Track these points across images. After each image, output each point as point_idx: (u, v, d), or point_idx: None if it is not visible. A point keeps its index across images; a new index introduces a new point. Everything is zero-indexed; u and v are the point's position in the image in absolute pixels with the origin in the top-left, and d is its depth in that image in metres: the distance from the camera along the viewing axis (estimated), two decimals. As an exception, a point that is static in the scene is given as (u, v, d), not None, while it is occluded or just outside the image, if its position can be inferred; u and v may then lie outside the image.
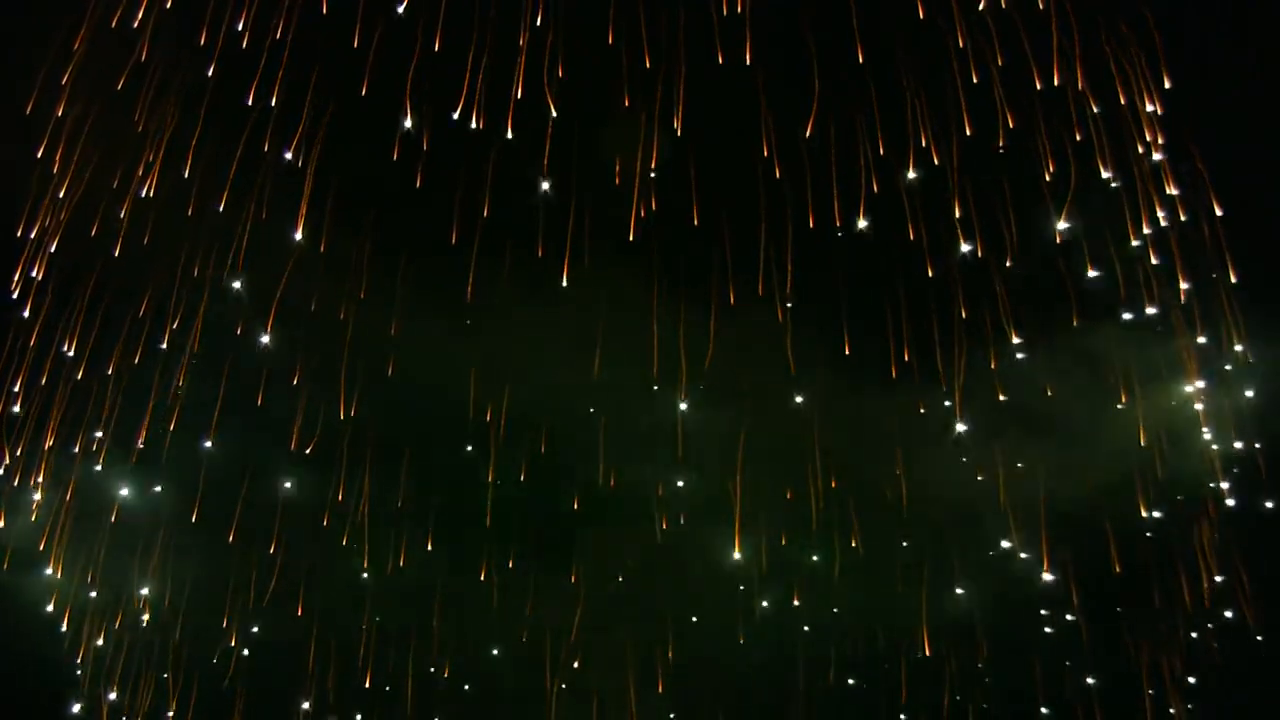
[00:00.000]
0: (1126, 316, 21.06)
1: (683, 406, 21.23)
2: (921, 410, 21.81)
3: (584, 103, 19.40)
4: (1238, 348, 21.12)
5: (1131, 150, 19.67)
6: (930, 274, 20.55)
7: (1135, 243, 20.24)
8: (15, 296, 20.84)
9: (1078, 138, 19.47)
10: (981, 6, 18.89)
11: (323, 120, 19.89)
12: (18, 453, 21.45)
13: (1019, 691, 22.63)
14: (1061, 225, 19.98)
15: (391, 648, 22.73)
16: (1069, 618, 22.24)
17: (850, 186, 19.87)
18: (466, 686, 22.98)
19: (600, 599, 22.58)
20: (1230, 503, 21.67)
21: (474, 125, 19.00)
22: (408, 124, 19.26)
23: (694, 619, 23.08)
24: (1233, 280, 20.69)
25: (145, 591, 22.22)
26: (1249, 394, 21.38)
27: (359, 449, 22.07)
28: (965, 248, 20.19)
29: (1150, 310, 20.84)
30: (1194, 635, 22.26)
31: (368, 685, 22.68)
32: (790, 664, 22.85)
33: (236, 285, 20.71)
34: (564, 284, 20.27)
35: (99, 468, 21.62)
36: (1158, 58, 19.41)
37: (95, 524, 21.79)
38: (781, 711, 23.01)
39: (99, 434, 21.43)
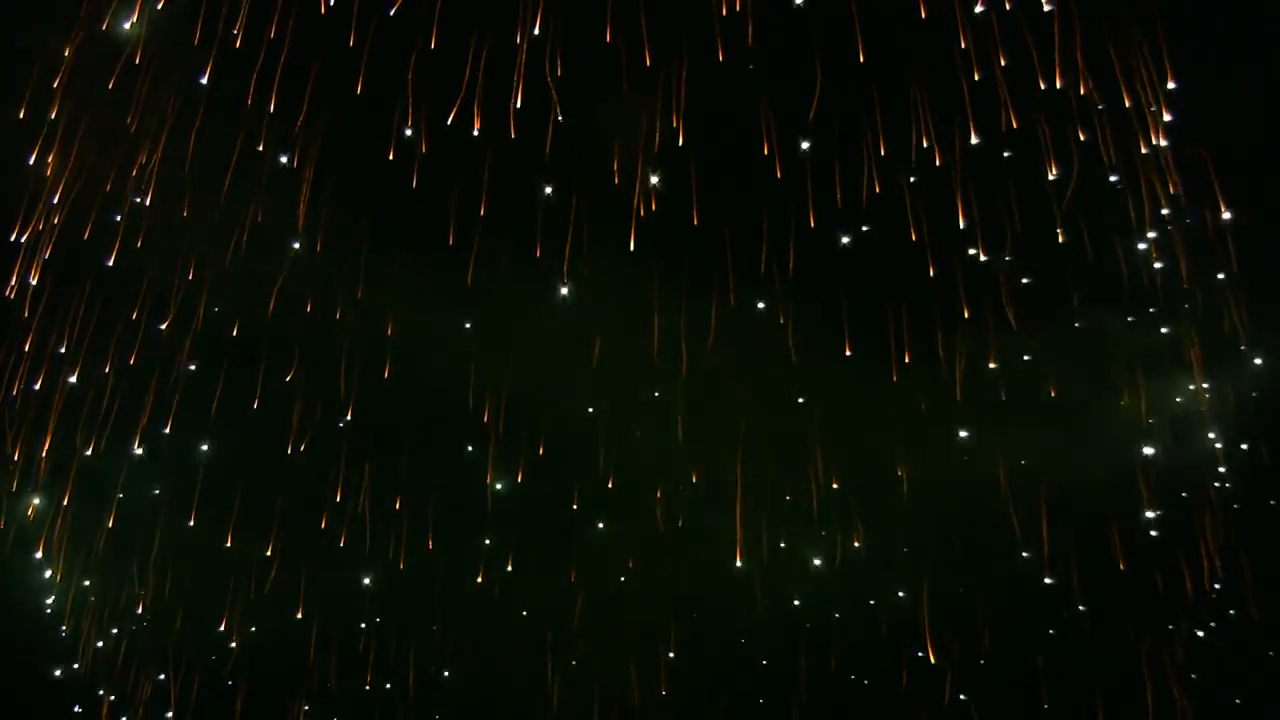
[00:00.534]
0: (1129, 316, 21.02)
1: (682, 406, 21.21)
2: (923, 408, 21.73)
3: (583, 102, 19.30)
4: (1242, 346, 21.05)
5: (1135, 149, 19.53)
6: (931, 274, 20.46)
7: (1140, 245, 20.21)
8: (12, 298, 20.78)
9: (1081, 137, 19.37)
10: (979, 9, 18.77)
11: (319, 121, 19.83)
12: (14, 456, 21.44)
13: (1021, 688, 22.62)
14: (1064, 225, 19.88)
15: (392, 648, 22.74)
16: (1073, 612, 22.20)
17: (851, 186, 19.79)
18: (466, 686, 23.00)
19: (600, 597, 22.56)
20: (1234, 500, 21.62)
21: (474, 129, 18.91)
22: (408, 132, 19.18)
23: (694, 616, 23.03)
24: (1237, 278, 20.60)
25: (144, 591, 22.22)
26: (1253, 393, 21.33)
27: (358, 449, 22.05)
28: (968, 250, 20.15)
29: (1153, 309, 20.80)
30: (1198, 632, 22.23)
31: (368, 686, 22.73)
32: (791, 663, 22.85)
33: (234, 286, 20.62)
34: (564, 284, 20.31)
35: (97, 468, 21.58)
36: (1162, 57, 19.28)
37: (94, 524, 21.78)
38: (783, 708, 23.03)
39: (97, 435, 21.40)
